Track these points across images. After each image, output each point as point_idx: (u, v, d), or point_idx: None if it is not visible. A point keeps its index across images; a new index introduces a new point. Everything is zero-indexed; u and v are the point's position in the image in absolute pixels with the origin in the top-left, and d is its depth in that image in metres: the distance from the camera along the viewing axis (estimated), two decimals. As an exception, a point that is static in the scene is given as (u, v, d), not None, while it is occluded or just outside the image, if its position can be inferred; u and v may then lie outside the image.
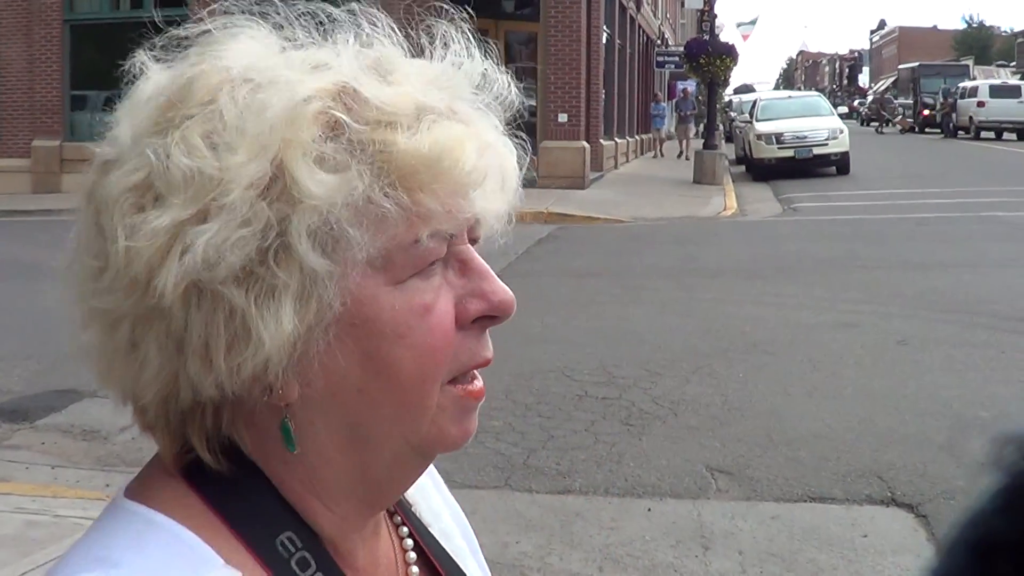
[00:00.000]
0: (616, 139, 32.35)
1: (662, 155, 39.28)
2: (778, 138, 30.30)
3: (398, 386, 0.98)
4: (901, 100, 74.19)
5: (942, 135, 59.59)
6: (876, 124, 76.38)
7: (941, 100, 62.54)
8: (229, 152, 0.92)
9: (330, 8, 1.05)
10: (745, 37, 55.68)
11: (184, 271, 0.90)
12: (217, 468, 0.99)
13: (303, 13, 1.05)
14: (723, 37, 44.71)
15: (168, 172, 0.92)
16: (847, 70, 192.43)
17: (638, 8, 38.42)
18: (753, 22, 58.10)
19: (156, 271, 0.91)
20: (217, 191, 0.91)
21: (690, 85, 43.98)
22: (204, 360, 0.93)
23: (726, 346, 9.26)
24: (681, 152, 37.50)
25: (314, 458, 1.01)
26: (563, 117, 24.25)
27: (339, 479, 1.03)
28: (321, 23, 1.04)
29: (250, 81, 0.96)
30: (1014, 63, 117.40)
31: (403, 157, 0.95)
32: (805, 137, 30.20)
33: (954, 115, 58.45)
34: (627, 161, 34.96)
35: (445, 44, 1.07)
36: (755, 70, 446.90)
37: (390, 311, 0.96)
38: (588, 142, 25.34)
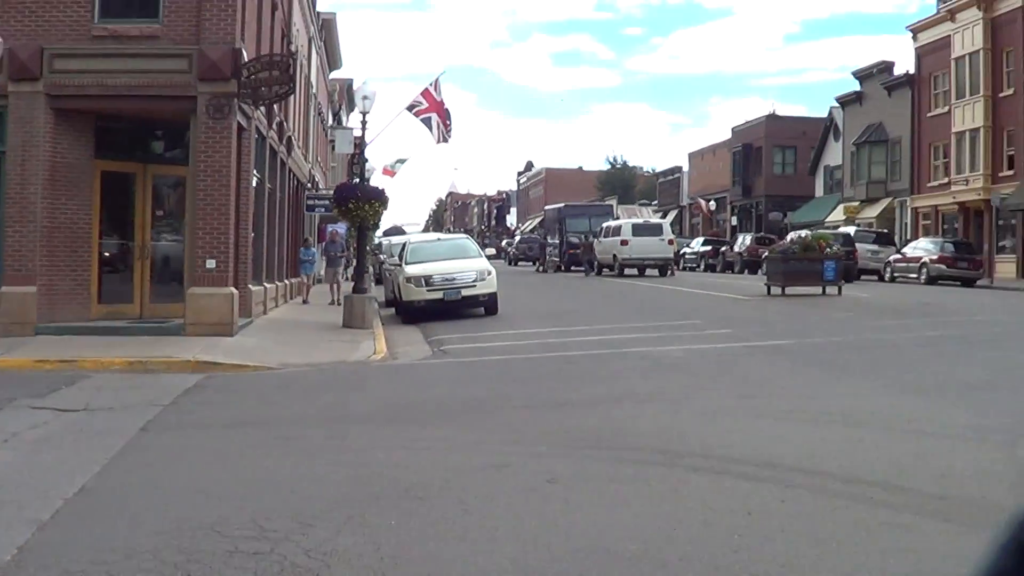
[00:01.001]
0: (266, 284, 32.11)
1: (307, 300, 39.01)
2: (427, 280, 30.62)
3: None
4: (548, 239, 76.29)
5: (587, 273, 61.56)
6: (532, 264, 78.47)
7: (583, 239, 64.82)
8: None
9: None
10: (389, 173, 56.31)
11: None
12: None
13: None
14: (374, 180, 45.20)
15: None
16: (496, 211, 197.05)
17: (289, 152, 38.46)
18: (402, 161, 58.90)
19: None
20: None
21: (340, 228, 44.21)
22: None
23: (378, 493, 9.18)
24: (332, 298, 37.39)
25: None
26: (211, 263, 23.96)
27: None
28: None
29: None
30: (656, 202, 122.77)
31: None
32: (454, 279, 30.62)
33: (597, 253, 60.55)
34: (276, 306, 34.73)
35: None
36: (406, 211, 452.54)
37: None
38: (236, 288, 25.07)
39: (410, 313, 31.11)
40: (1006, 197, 57.72)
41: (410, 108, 32.89)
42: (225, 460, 10.97)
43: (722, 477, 9.50)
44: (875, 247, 56.84)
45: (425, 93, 32.57)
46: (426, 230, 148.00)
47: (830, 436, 11.48)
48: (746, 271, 62.47)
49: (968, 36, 64.53)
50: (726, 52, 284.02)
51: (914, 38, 71.94)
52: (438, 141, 32.20)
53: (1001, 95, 61.96)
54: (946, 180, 67.03)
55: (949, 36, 66.53)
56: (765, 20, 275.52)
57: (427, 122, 32.10)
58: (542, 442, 11.32)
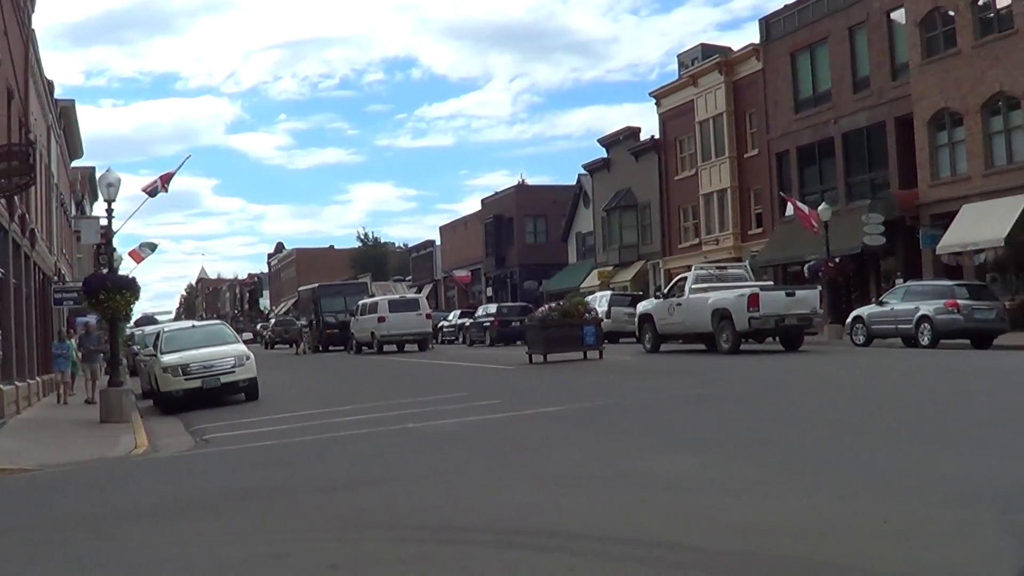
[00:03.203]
0: (17, 383, 30.96)
1: (67, 401, 37.40)
2: (184, 369, 29.95)
3: None
4: (303, 320, 75.84)
5: (347, 351, 61.37)
6: (289, 346, 77.93)
7: (339, 318, 64.97)
8: None
9: None
10: (136, 256, 55.17)
11: None
12: None
13: None
14: (123, 270, 44.14)
15: None
16: (248, 295, 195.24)
17: (33, 245, 37.31)
18: (151, 246, 57.80)
19: None
20: None
21: (92, 320, 42.98)
22: None
23: (154, 594, 8.73)
24: (89, 394, 36.02)
25: None
26: (-44, 365, 23.07)
27: None
28: None
29: None
30: (410, 277, 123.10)
31: None
32: (212, 366, 30.01)
33: (355, 331, 60.48)
34: (30, 405, 33.53)
35: None
36: (157, 301, 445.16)
37: None
38: (-14, 389, 24.17)
39: (169, 404, 30.33)
40: (756, 254, 59.45)
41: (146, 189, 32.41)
42: (-17, 572, 10.33)
43: (508, 550, 9.32)
44: (631, 310, 57.79)
45: (164, 175, 32.16)
46: (178, 318, 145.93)
47: (611, 499, 11.40)
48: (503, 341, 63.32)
49: (711, 100, 66.65)
50: (472, 125, 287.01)
51: (658, 104, 73.90)
52: (144, 188, 31.62)
53: (746, 155, 64.17)
54: (697, 241, 68.88)
55: (693, 100, 68.60)
56: (509, 92, 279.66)
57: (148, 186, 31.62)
58: (319, 528, 10.97)
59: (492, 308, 68.59)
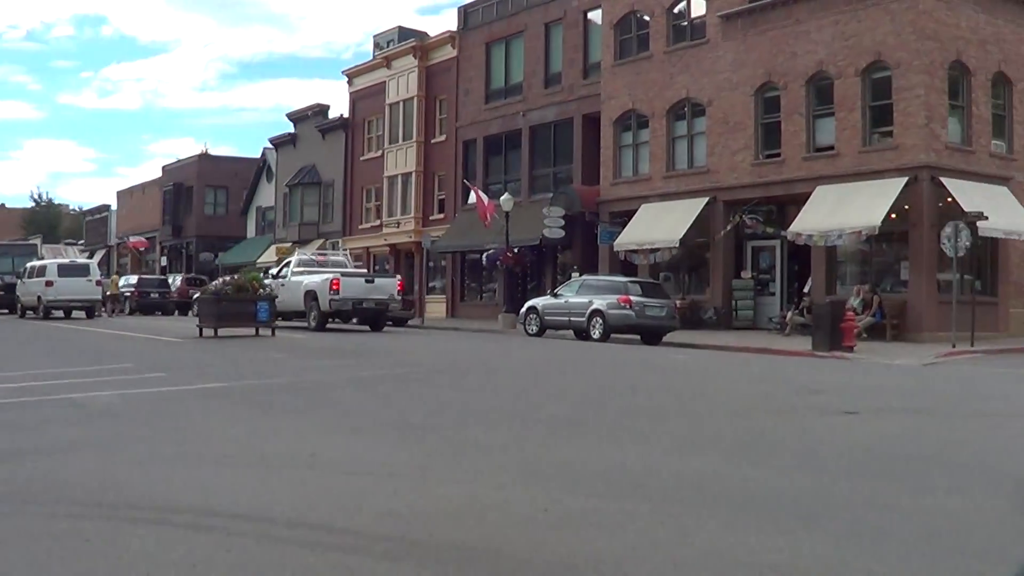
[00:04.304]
0: None
1: None
2: None
3: None
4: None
5: (10, 315, 59.56)
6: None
7: (5, 280, 63.04)
8: None
9: None
10: None
11: None
12: None
13: None
14: None
15: None
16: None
17: None
18: None
19: None
20: None
21: None
22: None
23: None
24: None
25: None
26: None
27: None
28: None
29: None
30: (83, 241, 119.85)
31: None
32: None
33: (21, 295, 58.70)
34: None
35: None
36: None
37: None
38: None
39: None
40: (436, 240, 59.96)
41: None
42: None
43: (163, 528, 9.05)
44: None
45: None
46: None
47: (272, 480, 11.23)
48: (177, 312, 65.20)
49: (403, 83, 67.04)
50: (160, 89, 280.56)
51: (350, 83, 73.91)
52: None
53: (433, 141, 64.76)
54: (378, 222, 69.15)
55: (385, 82, 68.85)
56: (200, 59, 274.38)
57: None
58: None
59: (133, 279, 75.12)
